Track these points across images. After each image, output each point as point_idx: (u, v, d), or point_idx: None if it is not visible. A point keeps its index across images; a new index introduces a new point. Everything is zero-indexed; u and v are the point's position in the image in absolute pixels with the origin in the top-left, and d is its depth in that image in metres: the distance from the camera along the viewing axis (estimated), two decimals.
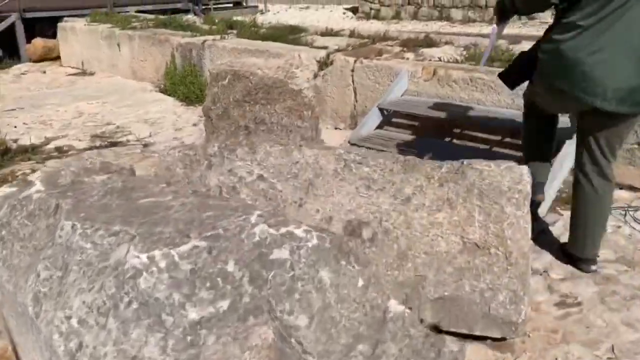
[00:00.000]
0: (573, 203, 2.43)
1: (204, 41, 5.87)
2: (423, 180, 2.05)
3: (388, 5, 9.51)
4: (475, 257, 1.92)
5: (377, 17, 9.71)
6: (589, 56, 2.08)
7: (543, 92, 2.37)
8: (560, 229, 2.81)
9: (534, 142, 2.64)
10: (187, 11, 11.59)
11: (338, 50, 5.02)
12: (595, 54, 2.07)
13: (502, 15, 2.54)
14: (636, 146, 3.13)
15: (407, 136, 3.86)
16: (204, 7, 11.57)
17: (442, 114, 3.73)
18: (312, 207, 2.14)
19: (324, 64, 4.82)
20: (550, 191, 2.97)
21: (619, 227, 2.79)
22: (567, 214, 2.99)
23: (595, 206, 2.33)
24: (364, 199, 2.09)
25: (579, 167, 2.37)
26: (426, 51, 4.84)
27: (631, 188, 3.19)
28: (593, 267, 2.41)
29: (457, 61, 4.46)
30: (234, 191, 2.25)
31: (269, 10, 12.20)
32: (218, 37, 6.04)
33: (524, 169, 1.93)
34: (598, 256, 2.43)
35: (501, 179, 1.95)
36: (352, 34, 6.04)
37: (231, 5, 12.60)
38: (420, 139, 3.75)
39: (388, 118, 4.10)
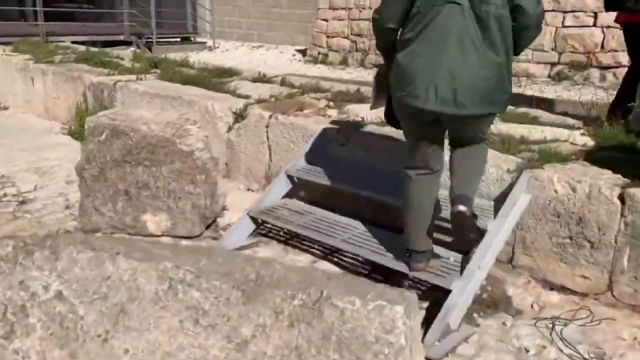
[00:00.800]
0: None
1: (116, 82, 5.29)
2: (269, 315, 1.50)
3: (336, 51, 9.18)
4: None
5: (324, 61, 9.35)
6: (412, 62, 2.23)
7: (397, 111, 2.45)
8: (475, 347, 2.29)
9: (415, 202, 2.53)
10: (130, 43, 11.03)
11: (259, 101, 4.52)
12: (417, 58, 2.21)
13: (386, 57, 2.56)
14: (568, 240, 2.68)
15: (316, 210, 3.33)
16: (147, 40, 11.03)
17: (357, 187, 3.22)
18: (120, 345, 1.55)
19: (239, 116, 4.30)
20: (467, 292, 2.47)
21: (544, 347, 2.29)
22: (486, 323, 2.50)
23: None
24: (188, 339, 1.52)
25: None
26: (353, 108, 4.38)
27: (563, 289, 2.72)
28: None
29: (383, 121, 4.00)
30: (22, 312, 1.65)
31: (217, 47, 11.72)
32: (134, 77, 5.48)
33: (398, 311, 1.41)
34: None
35: (367, 324, 1.41)
36: (283, 82, 5.58)
37: (179, 40, 12.11)
38: (330, 216, 3.22)
39: (298, 186, 3.57)
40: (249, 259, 1.85)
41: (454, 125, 2.35)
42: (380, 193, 3.12)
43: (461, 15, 2.14)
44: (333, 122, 3.86)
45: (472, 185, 2.48)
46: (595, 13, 6.53)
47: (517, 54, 2.34)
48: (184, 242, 3.29)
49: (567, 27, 6.70)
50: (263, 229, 3.40)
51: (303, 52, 10.50)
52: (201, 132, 3.33)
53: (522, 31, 2.23)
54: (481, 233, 2.62)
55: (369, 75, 8.11)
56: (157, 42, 11.02)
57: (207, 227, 3.45)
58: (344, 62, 9.05)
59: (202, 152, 3.26)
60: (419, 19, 2.21)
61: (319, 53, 9.51)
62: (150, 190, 3.24)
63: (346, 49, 8.91)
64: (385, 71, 2.56)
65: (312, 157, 3.61)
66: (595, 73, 6.55)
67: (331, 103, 4.56)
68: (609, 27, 6.45)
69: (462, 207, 2.41)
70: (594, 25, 6.54)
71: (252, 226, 3.32)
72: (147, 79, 5.46)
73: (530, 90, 6.37)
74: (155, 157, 3.19)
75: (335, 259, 3.03)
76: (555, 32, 6.79)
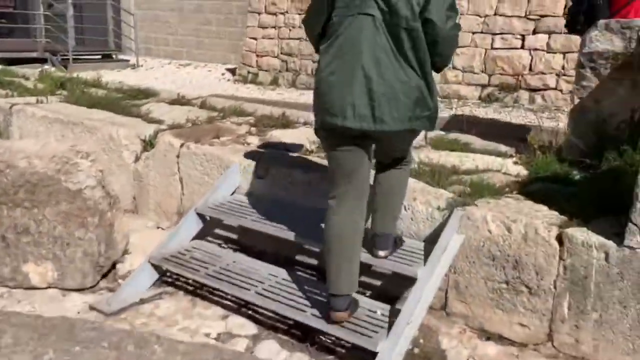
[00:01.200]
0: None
1: (13, 105, 4.72)
2: None
3: (266, 70, 8.86)
4: None
5: (254, 81, 9.00)
6: (327, 78, 2.13)
7: (316, 130, 2.30)
8: None
9: (336, 236, 2.26)
10: (44, 61, 10.27)
11: (173, 127, 4.10)
12: (332, 75, 2.11)
13: None
14: (504, 285, 2.43)
15: (230, 255, 2.94)
16: (63, 58, 10.29)
17: (276, 227, 2.85)
18: None
19: (148, 144, 3.87)
20: (395, 353, 2.15)
21: None
22: None
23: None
24: None
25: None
26: (277, 134, 4.05)
27: (500, 338, 2.46)
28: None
29: (307, 151, 3.69)
30: None
31: (141, 66, 11.12)
32: (34, 99, 4.91)
33: None
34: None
35: None
36: (203, 105, 5.17)
37: (99, 57, 11.40)
38: (247, 262, 2.84)
39: (211, 225, 3.18)
40: (120, 343, 1.45)
41: (378, 142, 2.26)
42: (302, 234, 2.77)
43: (373, 27, 2.06)
44: (252, 151, 3.50)
45: (395, 217, 2.50)
46: (523, 35, 6.56)
47: (436, 70, 2.23)
48: (75, 295, 2.82)
49: (496, 49, 6.69)
50: (169, 276, 2.98)
51: (233, 71, 10.12)
52: (94, 166, 2.89)
53: (432, 46, 2.12)
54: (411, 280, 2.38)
55: (300, 96, 7.84)
56: (75, 59, 10.30)
57: (104, 275, 2.99)
58: (275, 82, 8.73)
59: (93, 190, 2.81)
60: (334, 29, 2.13)
61: (249, 72, 9.16)
62: (32, 236, 2.76)
63: (277, 68, 8.61)
64: None
65: (227, 192, 3.23)
66: (524, 95, 6.54)
67: (253, 129, 4.22)
68: (536, 49, 6.48)
69: (382, 253, 2.46)
70: (522, 47, 6.55)
71: (156, 274, 2.89)
72: (49, 102, 4.91)
73: (461, 113, 6.28)
74: (37, 197, 2.72)
75: (250, 312, 2.65)
76: (485, 54, 6.77)
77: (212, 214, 3.03)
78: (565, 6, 6.27)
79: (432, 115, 2.20)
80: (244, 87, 8.81)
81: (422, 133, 4.16)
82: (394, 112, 2.08)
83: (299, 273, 2.84)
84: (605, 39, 3.20)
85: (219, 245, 3.21)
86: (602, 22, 3.27)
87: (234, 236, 3.30)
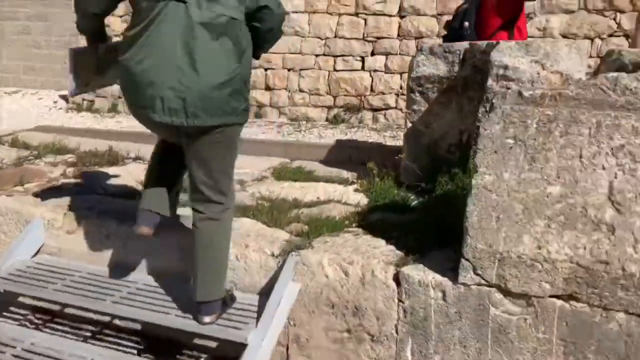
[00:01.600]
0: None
1: None
2: None
3: (104, 97, 8.11)
4: None
5: (90, 109, 8.21)
6: (136, 66, 1.98)
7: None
8: None
9: (154, 169, 2.35)
10: None
11: None
12: (140, 63, 1.97)
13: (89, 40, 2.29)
14: (346, 335, 2.23)
15: (31, 334, 2.41)
16: None
17: (84, 297, 2.39)
18: None
19: None
20: None
21: None
22: None
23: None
24: None
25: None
26: (98, 175, 3.56)
27: None
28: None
29: (132, 193, 3.26)
30: None
31: None
32: None
33: None
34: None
35: None
36: (15, 142, 4.49)
37: None
38: (48, 342, 2.34)
39: (10, 295, 2.62)
40: None
41: (192, 142, 2.05)
42: (118, 301, 2.35)
43: (186, 15, 1.92)
44: (62, 200, 2.99)
45: (220, 278, 2.19)
46: (363, 57, 6.66)
47: (257, 58, 2.20)
48: None
49: (339, 70, 6.72)
50: None
51: (67, 98, 9.16)
52: None
53: (267, 33, 2.09)
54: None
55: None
56: None
57: None
58: (114, 110, 8.00)
59: None
60: (143, 16, 1.95)
61: (84, 100, 8.32)
62: None
63: (115, 94, 7.90)
64: (94, 51, 2.29)
65: (28, 254, 2.70)
66: (368, 115, 6.64)
67: (70, 170, 3.68)
68: (375, 70, 6.61)
69: (207, 319, 2.19)
70: (363, 69, 6.65)
71: None
72: None
73: (310, 135, 6.18)
74: None
75: None
76: (329, 76, 6.78)
77: (6, 287, 2.48)
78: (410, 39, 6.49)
79: (247, 107, 2.12)
80: (79, 116, 7.97)
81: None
82: (208, 106, 1.96)
83: (119, 347, 2.40)
84: (430, 63, 3.22)
85: (22, 320, 2.64)
86: (426, 46, 3.30)
87: (44, 305, 2.75)
